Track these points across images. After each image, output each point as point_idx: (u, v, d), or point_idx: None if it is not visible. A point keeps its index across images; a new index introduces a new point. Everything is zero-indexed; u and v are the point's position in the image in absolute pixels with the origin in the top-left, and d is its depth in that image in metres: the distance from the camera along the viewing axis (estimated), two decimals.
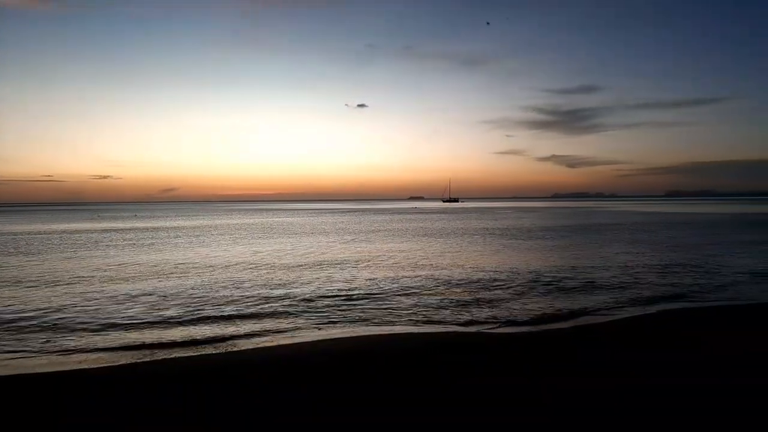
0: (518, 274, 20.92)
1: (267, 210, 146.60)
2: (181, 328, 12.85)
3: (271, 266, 24.15)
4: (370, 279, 20.00)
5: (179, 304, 15.47)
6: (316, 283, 19.19)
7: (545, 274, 20.65)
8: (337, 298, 16.22)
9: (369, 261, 26.05)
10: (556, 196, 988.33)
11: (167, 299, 16.27)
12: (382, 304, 15.41)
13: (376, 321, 13.51)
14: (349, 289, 17.71)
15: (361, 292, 17.27)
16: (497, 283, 18.60)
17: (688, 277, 19.78)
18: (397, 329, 12.61)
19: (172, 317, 13.95)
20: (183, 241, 40.83)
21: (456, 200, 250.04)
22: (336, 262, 25.69)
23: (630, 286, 17.91)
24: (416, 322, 13.30)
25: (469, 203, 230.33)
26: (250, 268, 23.41)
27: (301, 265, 24.35)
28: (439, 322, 13.32)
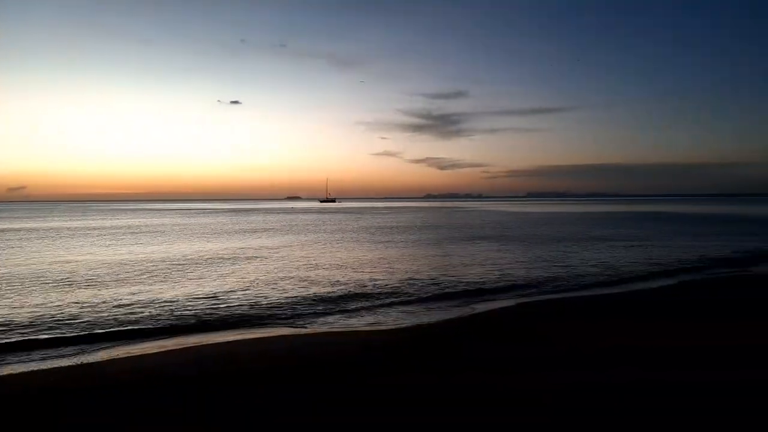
0: (393, 272, 20.79)
1: (132, 210, 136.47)
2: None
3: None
4: (244, 280, 18.83)
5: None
6: (180, 288, 17.66)
7: (421, 272, 20.71)
8: (204, 302, 15.00)
9: (239, 260, 24.70)
10: (429, 197, 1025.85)
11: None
12: (255, 305, 14.48)
13: (252, 323, 12.58)
14: (223, 293, 16.48)
15: (237, 296, 16.12)
16: (374, 283, 18.29)
17: (547, 270, 20.74)
18: (271, 332, 11.77)
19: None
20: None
21: (334, 200, 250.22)
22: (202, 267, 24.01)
23: (495, 281, 18.39)
24: (292, 325, 12.56)
25: (347, 203, 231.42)
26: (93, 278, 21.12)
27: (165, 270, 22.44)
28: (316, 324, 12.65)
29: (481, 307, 14.24)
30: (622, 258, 24.86)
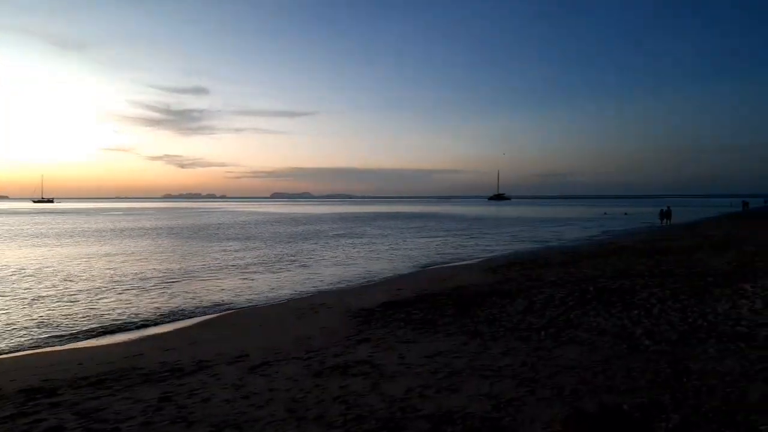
0: (125, 276, 16.17)
1: None
2: None
3: None
4: None
5: None
6: None
7: (157, 276, 16.53)
8: None
9: None
10: (168, 197, 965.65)
11: None
12: None
13: None
14: None
15: None
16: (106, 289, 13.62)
17: (282, 270, 18.52)
18: None
19: None
20: None
21: (51, 200, 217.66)
22: None
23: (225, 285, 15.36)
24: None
25: (68, 204, 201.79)
26: None
27: None
28: None
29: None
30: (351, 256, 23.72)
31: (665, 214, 51.19)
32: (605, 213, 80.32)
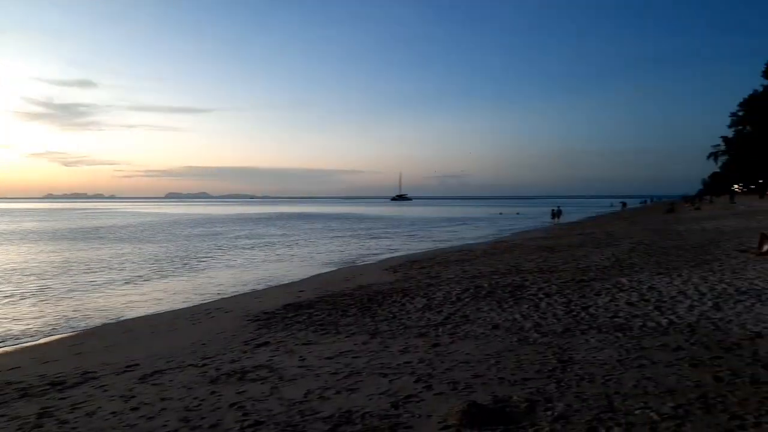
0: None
1: None
2: None
3: None
4: None
5: None
6: None
7: (38, 283, 15.15)
8: None
9: None
10: (50, 197, 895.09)
11: None
12: None
13: None
14: None
15: None
16: None
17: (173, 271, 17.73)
18: None
19: None
20: None
21: None
22: None
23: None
24: None
25: None
26: None
27: None
28: None
29: None
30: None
31: (556, 214, 54.76)
32: (500, 213, 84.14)
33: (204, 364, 7.11)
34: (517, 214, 79.91)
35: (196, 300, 13.89)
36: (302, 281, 16.39)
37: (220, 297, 14.17)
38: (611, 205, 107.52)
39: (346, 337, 8.15)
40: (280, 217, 75.88)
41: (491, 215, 77.36)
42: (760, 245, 13.45)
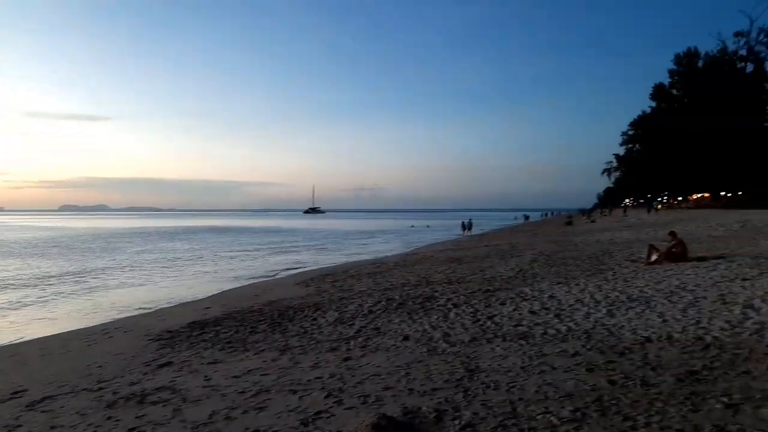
0: None
1: None
2: None
3: None
4: None
5: None
6: None
7: None
8: None
9: None
10: None
11: None
12: None
13: None
14: None
15: None
16: None
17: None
18: None
19: None
20: None
21: None
22: None
23: None
24: None
25: None
26: None
27: None
28: None
29: None
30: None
31: (467, 226, 56.67)
32: (412, 225, 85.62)
33: (100, 388, 6.66)
34: (428, 226, 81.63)
35: (92, 320, 13.01)
36: (209, 298, 15.80)
37: (119, 316, 13.37)
38: (515, 219, 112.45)
39: (255, 354, 7.93)
40: (187, 230, 73.03)
41: (403, 228, 78.58)
42: (649, 256, 14.51)
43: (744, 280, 10.32)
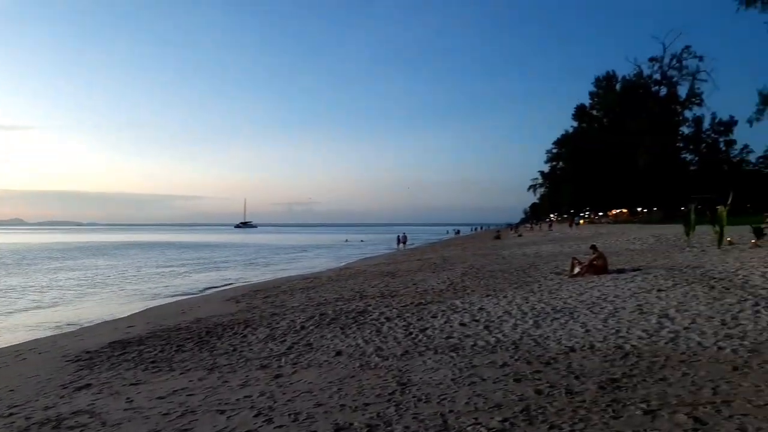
0: None
1: None
2: None
3: None
4: None
5: None
6: None
7: None
8: None
9: None
10: None
11: None
12: None
13: None
14: None
15: None
16: None
17: None
18: None
19: None
20: None
21: None
22: None
23: None
24: None
25: None
26: None
27: None
28: None
29: None
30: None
31: (402, 240, 57.28)
32: (346, 240, 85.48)
33: (11, 413, 6.22)
34: (362, 241, 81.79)
35: (3, 341, 12.14)
36: (132, 316, 15.12)
37: (33, 337, 12.54)
38: (447, 233, 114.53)
39: (181, 373, 7.64)
40: (110, 246, 69.78)
41: (337, 242, 78.32)
42: (572, 268, 15.11)
43: (659, 291, 10.93)
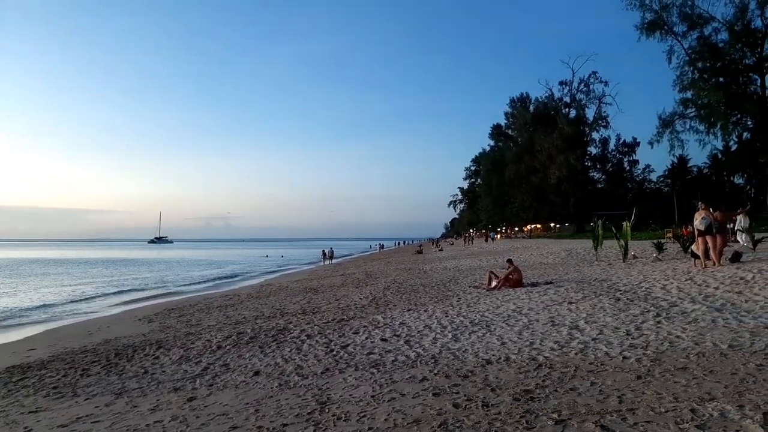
0: None
1: None
2: None
3: None
4: None
5: None
6: None
7: None
8: None
9: None
10: None
11: None
12: None
13: None
14: None
15: None
16: None
17: None
18: None
19: None
20: None
21: None
22: None
23: None
24: None
25: None
26: None
27: None
28: None
29: None
30: None
31: (328, 254, 57.02)
32: (266, 255, 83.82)
33: None
34: (282, 256, 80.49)
35: None
36: (32, 338, 14.08)
37: None
38: (371, 247, 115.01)
39: (86, 399, 7.18)
40: (11, 262, 64.79)
41: (257, 258, 76.66)
42: (489, 282, 15.57)
43: (570, 303, 11.45)
